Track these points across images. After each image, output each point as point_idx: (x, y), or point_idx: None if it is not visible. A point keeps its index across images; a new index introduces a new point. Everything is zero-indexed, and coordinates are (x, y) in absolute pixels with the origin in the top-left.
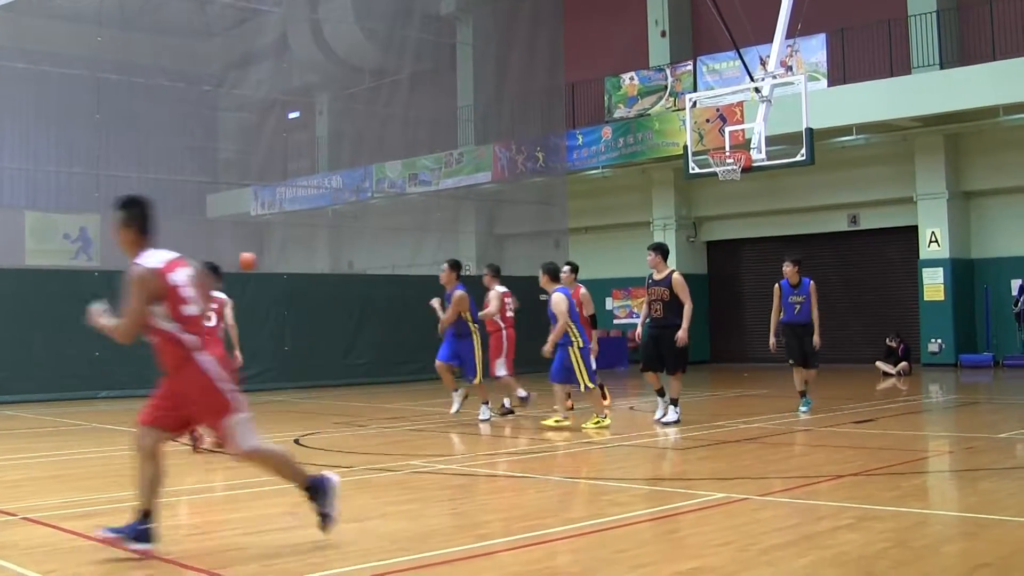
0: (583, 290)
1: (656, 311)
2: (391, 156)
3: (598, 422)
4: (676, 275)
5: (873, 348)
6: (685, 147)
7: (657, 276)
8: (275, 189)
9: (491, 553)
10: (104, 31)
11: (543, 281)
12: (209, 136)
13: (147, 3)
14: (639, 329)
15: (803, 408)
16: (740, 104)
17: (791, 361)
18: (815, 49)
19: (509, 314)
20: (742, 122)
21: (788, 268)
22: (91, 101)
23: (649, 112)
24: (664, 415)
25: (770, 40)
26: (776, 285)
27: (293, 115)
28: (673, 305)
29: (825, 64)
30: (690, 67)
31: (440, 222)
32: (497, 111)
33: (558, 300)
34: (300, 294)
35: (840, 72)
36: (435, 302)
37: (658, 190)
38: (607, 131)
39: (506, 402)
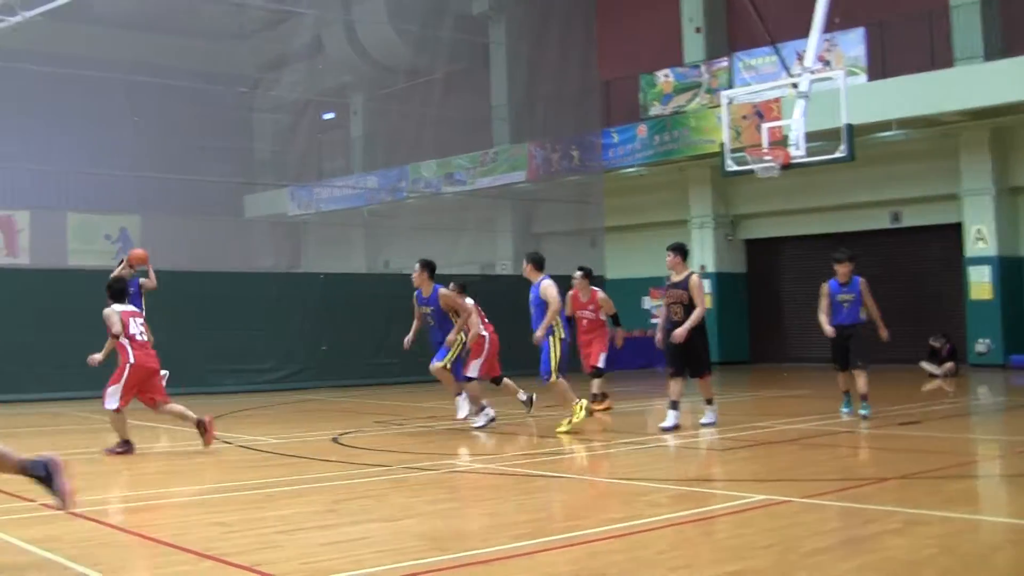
0: (601, 293)
1: (676, 314)
2: (426, 156)
3: (570, 421)
4: (695, 277)
5: (916, 348)
6: (722, 144)
7: (676, 278)
8: (311, 189)
9: (528, 553)
10: (141, 35)
11: (527, 271)
12: (245, 137)
13: (182, 7)
14: (659, 334)
15: (844, 409)
16: (777, 100)
17: (836, 366)
18: (854, 43)
19: (485, 320)
20: (780, 118)
21: (842, 267)
22: (129, 104)
23: (685, 109)
24: (671, 424)
25: (807, 35)
26: (824, 284)
27: (328, 116)
28: (693, 308)
29: (864, 58)
30: (726, 63)
31: (476, 221)
32: (531, 110)
33: (548, 285)
34: (337, 294)
35: (880, 66)
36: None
37: (695, 188)
38: (642, 129)
39: (521, 395)
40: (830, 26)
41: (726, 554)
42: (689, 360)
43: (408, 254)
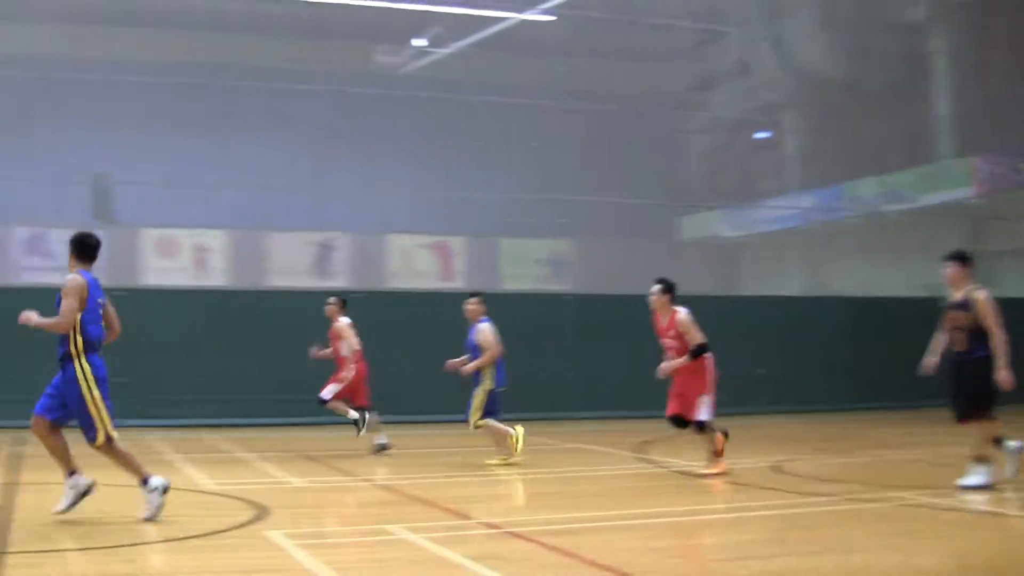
0: (681, 314)
1: (958, 343)
2: (862, 172)
3: (504, 460)
4: (980, 293)
5: None
6: None
7: (956, 296)
8: (744, 210)
9: None
10: (569, 60)
11: (472, 310)
12: (676, 158)
13: (609, 29)
14: (927, 361)
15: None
16: None
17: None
18: None
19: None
20: None
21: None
22: (563, 129)
23: None
24: (976, 483)
25: None
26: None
27: (762, 135)
28: (977, 335)
29: None
30: None
31: (918, 241)
32: (975, 120)
33: (485, 329)
34: (773, 317)
35: None
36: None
37: None
38: None
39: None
40: None
41: None
42: (960, 396)
43: (848, 276)
